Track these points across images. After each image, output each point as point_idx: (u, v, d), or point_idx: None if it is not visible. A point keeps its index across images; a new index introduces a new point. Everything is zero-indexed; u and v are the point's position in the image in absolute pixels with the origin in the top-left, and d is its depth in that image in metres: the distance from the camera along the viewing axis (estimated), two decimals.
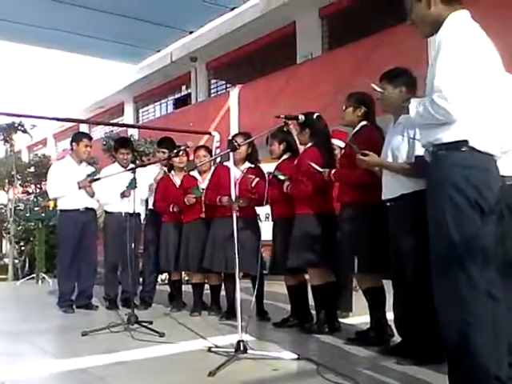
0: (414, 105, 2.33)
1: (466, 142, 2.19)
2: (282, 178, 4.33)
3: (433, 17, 2.33)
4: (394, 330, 3.49)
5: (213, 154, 7.71)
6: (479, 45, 2.23)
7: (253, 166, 4.87)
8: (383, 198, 3.31)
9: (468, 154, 2.20)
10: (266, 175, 4.65)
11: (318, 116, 4.23)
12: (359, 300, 4.14)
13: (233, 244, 3.57)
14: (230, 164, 3.85)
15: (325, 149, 4.17)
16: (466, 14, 2.31)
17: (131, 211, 4.83)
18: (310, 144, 4.23)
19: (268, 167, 4.80)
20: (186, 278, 6.33)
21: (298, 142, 4.49)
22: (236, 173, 4.76)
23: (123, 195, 5.40)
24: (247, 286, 4.80)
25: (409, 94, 3.10)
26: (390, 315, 3.55)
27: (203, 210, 5.13)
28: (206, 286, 5.34)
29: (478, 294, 2.13)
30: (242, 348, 3.25)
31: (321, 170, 3.94)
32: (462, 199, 2.15)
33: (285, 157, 4.56)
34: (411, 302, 3.13)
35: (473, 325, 2.11)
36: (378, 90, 3.00)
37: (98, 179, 5.34)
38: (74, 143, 5.73)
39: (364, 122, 3.76)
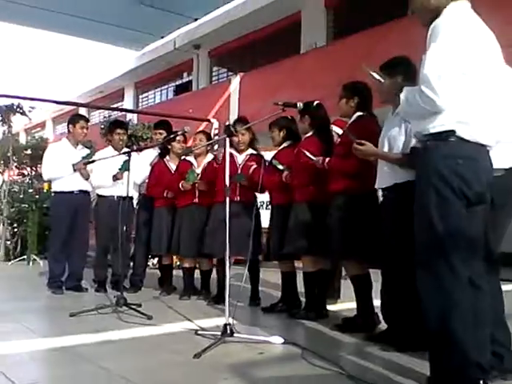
0: (405, 94, 2.31)
1: (453, 132, 2.18)
2: (279, 167, 4.32)
3: (433, 6, 2.31)
4: (381, 318, 3.49)
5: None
6: (474, 36, 2.20)
7: (255, 152, 4.84)
8: (377, 186, 3.32)
9: (455, 144, 2.18)
10: (265, 162, 4.65)
11: (318, 104, 4.20)
12: (347, 287, 4.14)
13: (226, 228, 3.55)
14: (226, 148, 3.81)
15: (324, 138, 4.14)
16: (465, 4, 2.28)
17: (124, 195, 4.81)
18: (310, 133, 4.20)
19: (270, 154, 4.78)
20: (177, 263, 6.32)
21: (299, 129, 4.45)
22: (239, 158, 4.80)
23: (115, 178, 5.37)
24: (240, 272, 4.78)
25: (410, 83, 3.06)
26: (377, 302, 3.55)
27: (197, 195, 5.10)
28: (197, 272, 5.33)
29: (459, 284, 2.13)
30: (228, 331, 3.26)
31: (314, 158, 3.92)
32: (449, 190, 2.15)
33: (285, 144, 4.53)
34: (398, 290, 3.13)
35: (453, 313, 2.11)
36: (377, 77, 2.95)
37: (94, 161, 5.31)
38: (70, 125, 5.70)
39: (359, 113, 3.73)
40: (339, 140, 3.95)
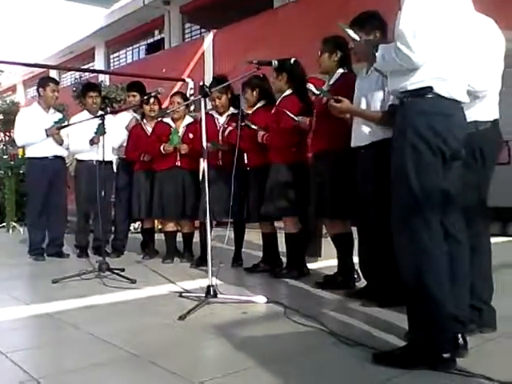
0: (381, 51, 2.29)
1: (430, 88, 2.18)
2: (254, 127, 4.29)
3: None
4: (361, 275, 3.57)
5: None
6: None
7: (236, 111, 4.74)
8: (353, 145, 3.30)
9: (432, 100, 2.19)
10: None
11: (295, 61, 4.13)
12: (327, 245, 4.21)
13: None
14: (202, 110, 3.74)
15: (303, 96, 4.10)
16: None
17: (102, 159, 4.75)
18: (288, 91, 4.15)
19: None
20: (159, 227, 6.32)
21: (273, 88, 4.39)
22: (220, 120, 4.76)
23: (92, 142, 5.29)
24: (223, 233, 4.82)
25: (382, 38, 3.03)
26: (356, 259, 3.62)
27: (178, 158, 5.07)
28: (179, 235, 5.36)
29: (434, 239, 2.17)
30: (212, 292, 3.30)
31: (297, 118, 3.89)
32: (425, 147, 2.16)
33: (259, 104, 4.50)
34: (375, 247, 3.19)
35: (428, 268, 2.15)
36: (353, 35, 2.90)
37: (66, 126, 5.21)
38: (40, 89, 5.57)
39: (341, 70, 3.68)
40: (323, 100, 3.90)
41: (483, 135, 2.52)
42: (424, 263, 2.16)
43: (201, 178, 4.87)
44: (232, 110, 4.80)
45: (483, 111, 2.54)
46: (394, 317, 2.86)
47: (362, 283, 3.63)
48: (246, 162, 4.76)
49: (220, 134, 4.72)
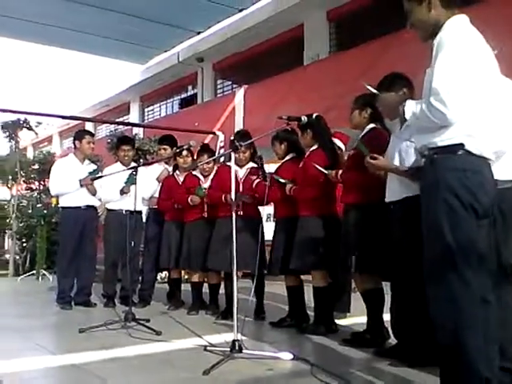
0: (411, 107, 2.32)
1: (461, 145, 2.19)
2: (282, 181, 4.33)
3: (432, 20, 2.33)
4: (390, 332, 3.48)
5: (217, 154, 7.75)
6: (477, 49, 2.22)
7: (256, 165, 4.86)
8: (387, 200, 3.31)
9: (464, 157, 2.19)
10: (268, 175, 4.65)
11: (317, 116, 4.22)
12: (357, 301, 4.13)
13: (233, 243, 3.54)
14: (232, 163, 3.82)
15: (329, 150, 4.16)
16: (465, 18, 2.31)
17: (132, 209, 4.84)
18: (315, 146, 4.21)
19: (274, 167, 4.79)
20: (186, 277, 6.33)
21: (302, 144, 4.45)
22: (240, 172, 4.81)
23: (122, 192, 5.41)
24: (247, 285, 4.79)
25: (409, 97, 3.07)
26: (386, 317, 3.54)
27: (205, 209, 5.13)
28: (206, 286, 5.34)
29: (471, 297, 2.12)
30: (237, 347, 3.26)
31: (326, 171, 3.94)
32: (457, 202, 2.15)
33: (288, 157, 4.55)
34: (408, 305, 3.12)
35: (465, 327, 2.10)
36: (374, 91, 2.94)
37: (100, 177, 5.36)
38: (76, 141, 5.77)
39: (372, 125, 3.74)
40: (351, 153, 3.95)
41: (503, 194, 2.49)
42: (461, 323, 2.11)
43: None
44: (252, 163, 4.88)
45: (502, 170, 2.51)
46: (423, 377, 2.78)
47: (392, 342, 3.53)
48: (259, 212, 4.84)
49: (241, 186, 4.76)
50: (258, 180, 4.69)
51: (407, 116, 2.35)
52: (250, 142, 4.51)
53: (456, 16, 2.29)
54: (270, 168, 4.93)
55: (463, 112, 2.16)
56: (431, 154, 2.29)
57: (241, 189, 4.75)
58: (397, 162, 3.21)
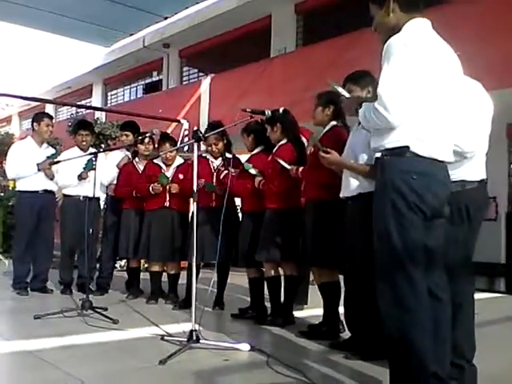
0: (363, 109, 2.36)
1: (407, 147, 2.23)
2: (252, 172, 4.33)
3: (391, 24, 2.35)
4: (345, 325, 3.56)
5: (179, 142, 7.70)
6: (430, 52, 2.23)
7: (230, 156, 4.83)
8: (341, 195, 3.38)
9: (411, 159, 2.24)
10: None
11: (284, 110, 4.23)
12: (314, 293, 4.20)
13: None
14: (194, 156, 3.75)
15: (297, 144, 4.18)
16: (423, 21, 2.33)
17: (90, 195, 4.77)
18: (284, 140, 4.21)
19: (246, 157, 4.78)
20: (145, 266, 6.29)
21: (271, 139, 4.42)
22: (215, 163, 4.83)
23: (80, 177, 5.32)
24: (209, 276, 4.80)
25: (367, 98, 3.12)
26: (341, 310, 3.61)
27: (167, 198, 5.09)
28: (165, 275, 5.32)
29: (417, 295, 2.18)
30: (194, 337, 3.27)
31: (288, 166, 3.97)
32: (403, 203, 2.20)
33: (257, 150, 4.53)
34: (360, 299, 3.19)
35: (411, 323, 2.16)
36: (342, 92, 2.99)
37: (59, 162, 5.25)
38: (35, 123, 5.62)
39: (334, 123, 3.78)
40: (311, 150, 3.99)
41: (470, 194, 2.57)
42: (406, 319, 2.17)
43: (190, 219, 4.89)
44: (227, 154, 4.87)
45: (470, 171, 2.60)
46: (376, 370, 2.85)
47: (346, 334, 3.61)
48: (237, 205, 4.79)
49: (214, 176, 4.77)
50: (225, 172, 4.65)
51: (360, 119, 2.40)
52: (217, 131, 4.46)
53: (414, 19, 2.31)
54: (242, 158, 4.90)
55: (406, 116, 2.20)
56: (381, 155, 2.35)
57: (214, 179, 4.74)
58: (351, 159, 3.28)
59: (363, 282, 3.06)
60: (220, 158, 4.85)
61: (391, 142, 2.27)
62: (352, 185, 3.25)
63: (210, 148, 4.80)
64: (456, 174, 2.47)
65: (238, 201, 4.90)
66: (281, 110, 4.20)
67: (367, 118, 2.32)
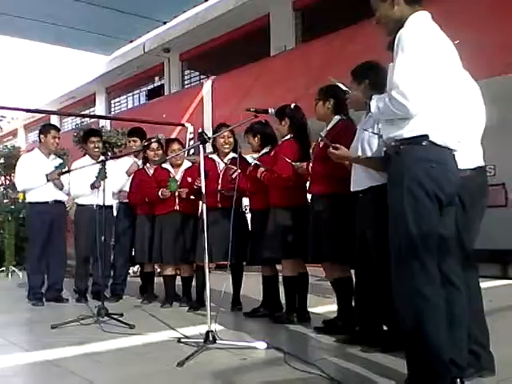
0: (375, 101, 2.38)
1: (426, 136, 2.26)
2: (258, 163, 4.33)
3: (396, 16, 2.40)
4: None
5: (186, 145, 7.74)
6: (437, 44, 2.29)
7: (236, 156, 4.78)
8: (352, 189, 3.35)
9: (428, 148, 2.27)
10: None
11: (295, 106, 4.24)
12: (328, 288, 4.20)
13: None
14: (201, 157, 3.78)
15: (302, 141, 4.18)
16: (426, 14, 2.39)
17: (102, 203, 4.80)
18: (288, 136, 4.21)
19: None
20: (158, 270, 6.32)
21: (277, 134, 4.45)
22: (221, 164, 4.83)
23: (93, 186, 5.36)
24: (220, 277, 4.81)
25: (372, 89, 3.12)
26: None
27: (177, 202, 5.12)
28: (179, 279, 5.35)
29: (431, 283, 2.20)
30: (211, 338, 3.29)
31: (295, 164, 3.97)
32: (422, 192, 2.22)
33: (265, 150, 4.52)
34: (372, 292, 3.19)
35: (426, 313, 2.17)
36: (344, 88, 2.99)
37: (67, 172, 5.29)
38: (41, 135, 5.67)
39: (338, 117, 3.78)
40: (319, 144, 3.99)
41: (463, 183, 2.56)
42: (421, 308, 2.18)
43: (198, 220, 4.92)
44: (233, 154, 4.87)
45: (460, 159, 2.60)
46: (393, 361, 2.85)
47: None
48: (244, 204, 4.80)
49: (221, 177, 4.78)
50: (238, 171, 4.55)
51: (373, 110, 2.42)
52: (217, 135, 4.50)
53: (418, 12, 2.37)
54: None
55: (424, 104, 2.23)
56: (397, 145, 2.36)
57: (220, 180, 4.76)
58: (360, 153, 3.27)
59: (376, 275, 3.06)
60: (226, 158, 4.86)
61: (409, 131, 2.29)
62: (362, 178, 3.23)
63: (221, 145, 4.80)
64: None
65: (245, 201, 4.92)
66: (292, 105, 4.21)
67: (381, 110, 2.33)
